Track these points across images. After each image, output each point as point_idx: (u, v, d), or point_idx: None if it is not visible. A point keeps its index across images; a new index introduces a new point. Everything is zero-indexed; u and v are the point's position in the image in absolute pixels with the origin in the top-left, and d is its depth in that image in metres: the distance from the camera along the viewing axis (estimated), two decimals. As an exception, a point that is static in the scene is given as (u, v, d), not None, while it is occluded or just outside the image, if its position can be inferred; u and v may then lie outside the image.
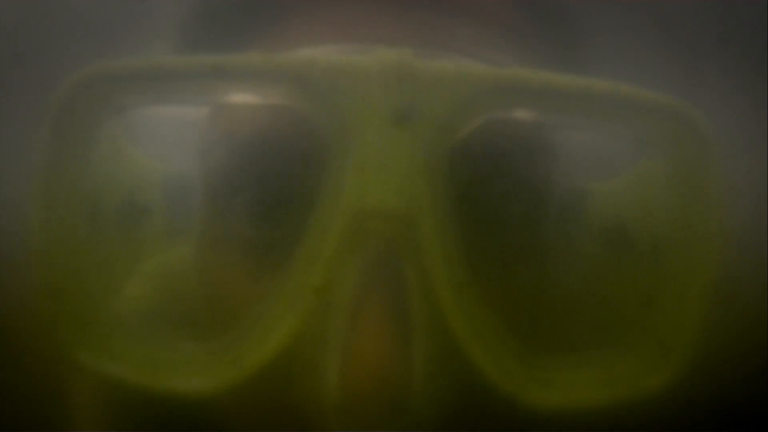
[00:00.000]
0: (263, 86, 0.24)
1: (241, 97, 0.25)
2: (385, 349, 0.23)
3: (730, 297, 0.24)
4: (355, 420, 0.23)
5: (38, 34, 0.27)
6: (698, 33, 0.25)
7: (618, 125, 0.24)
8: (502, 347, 0.24)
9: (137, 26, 0.27)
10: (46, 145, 0.25)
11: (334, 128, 0.23)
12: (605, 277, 0.25)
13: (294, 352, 0.23)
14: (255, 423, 0.25)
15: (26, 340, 0.26)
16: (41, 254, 0.25)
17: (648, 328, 0.25)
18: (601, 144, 0.25)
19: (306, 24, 0.26)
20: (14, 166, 0.26)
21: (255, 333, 0.24)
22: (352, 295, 0.23)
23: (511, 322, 0.24)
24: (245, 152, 0.25)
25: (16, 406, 0.27)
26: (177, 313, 0.27)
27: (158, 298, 0.27)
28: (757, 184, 0.24)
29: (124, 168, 0.27)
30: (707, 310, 0.23)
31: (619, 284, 0.25)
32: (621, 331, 0.25)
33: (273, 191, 0.25)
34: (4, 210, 0.26)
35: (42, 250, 0.25)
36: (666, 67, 0.25)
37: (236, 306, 0.25)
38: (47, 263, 0.25)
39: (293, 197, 0.24)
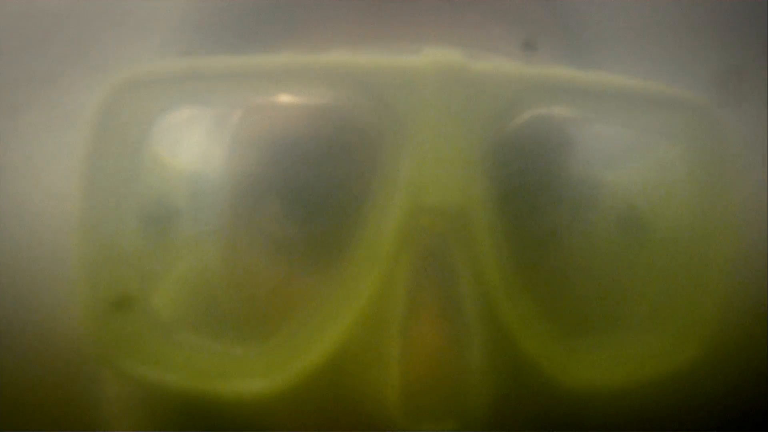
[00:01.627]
0: (305, 86, 0.24)
1: (284, 98, 0.25)
2: (442, 343, 0.23)
3: (750, 279, 0.26)
4: (415, 414, 0.23)
5: (74, 36, 0.26)
6: (721, 27, 0.27)
7: (645, 119, 0.26)
8: (544, 333, 0.25)
9: (154, 27, 0.27)
10: (88, 149, 0.24)
11: (386, 127, 0.24)
12: (628, 261, 0.27)
13: (349, 350, 0.24)
14: (311, 424, 0.25)
15: (65, 348, 0.25)
16: (82, 260, 0.24)
17: (671, 309, 0.26)
18: (626, 135, 0.26)
19: (327, 27, 0.27)
20: (54, 169, 0.25)
21: (308, 333, 0.25)
22: (407, 290, 0.24)
23: (550, 308, 0.25)
24: (281, 151, 0.25)
25: (51, 419, 0.26)
26: (219, 318, 0.26)
27: (198, 302, 0.27)
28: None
29: (153, 170, 0.26)
30: (726, 291, 0.26)
31: (642, 268, 0.27)
32: (647, 312, 0.27)
33: (314, 190, 0.25)
34: (43, 213, 0.25)
35: (83, 256, 0.24)
36: (688, 62, 0.27)
37: (283, 306, 0.25)
38: (88, 270, 0.24)
39: (339, 195, 0.25)
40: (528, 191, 0.25)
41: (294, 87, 0.25)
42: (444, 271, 0.24)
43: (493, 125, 0.24)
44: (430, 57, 0.23)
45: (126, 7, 0.27)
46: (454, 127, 0.23)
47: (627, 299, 0.27)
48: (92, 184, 0.24)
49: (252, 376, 0.25)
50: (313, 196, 0.25)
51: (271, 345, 0.25)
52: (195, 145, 0.27)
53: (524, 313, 0.25)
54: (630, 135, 0.26)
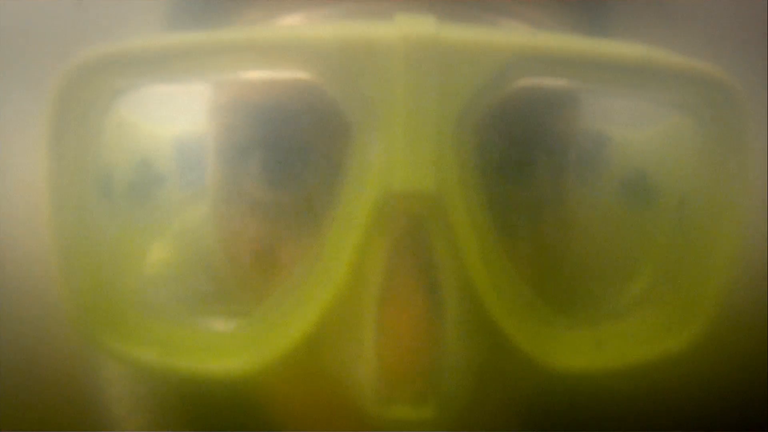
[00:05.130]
0: (272, 60, 0.23)
1: (250, 73, 0.24)
2: (419, 324, 0.23)
3: (755, 259, 0.24)
4: (391, 397, 0.23)
5: (28, 22, 0.25)
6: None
7: (650, 90, 0.23)
8: (528, 312, 0.24)
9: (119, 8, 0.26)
10: (49, 131, 0.24)
11: (354, 106, 0.22)
12: (628, 230, 0.25)
13: (326, 331, 0.23)
14: (290, 401, 0.25)
15: (48, 330, 0.26)
16: (58, 239, 0.24)
17: (672, 285, 0.25)
18: (630, 104, 0.24)
19: None
20: (18, 154, 0.25)
21: (286, 310, 0.24)
22: (383, 270, 0.23)
23: (537, 283, 0.24)
24: (256, 116, 0.24)
25: (42, 403, 0.27)
26: (203, 288, 0.26)
27: (181, 271, 0.26)
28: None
29: (131, 139, 0.26)
30: (731, 271, 0.24)
31: (643, 238, 0.25)
32: (645, 287, 0.25)
33: (287, 156, 0.24)
34: (11, 200, 0.25)
35: (58, 235, 0.24)
36: (704, 34, 0.24)
37: (265, 279, 0.25)
38: (65, 247, 0.24)
39: (312, 165, 0.24)
40: (511, 166, 0.23)
41: (261, 61, 0.23)
42: (421, 251, 0.23)
43: (471, 100, 0.22)
44: (399, 27, 0.21)
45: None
46: (427, 105, 0.21)
47: (624, 274, 0.26)
48: (56, 165, 0.24)
49: (232, 354, 0.25)
50: (280, 161, 0.24)
51: (251, 321, 0.25)
52: (170, 112, 0.26)
53: (505, 293, 0.23)
54: (635, 105, 0.24)
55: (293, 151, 0.24)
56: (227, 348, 0.25)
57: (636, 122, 0.25)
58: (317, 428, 0.25)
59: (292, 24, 0.24)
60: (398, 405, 0.23)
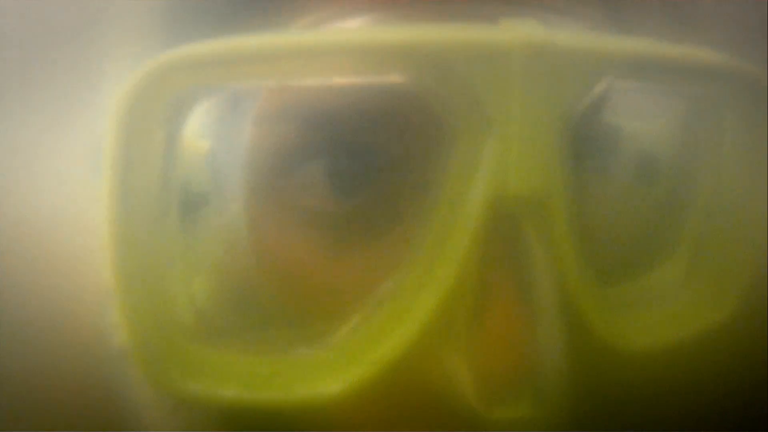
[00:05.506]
0: (364, 64, 0.22)
1: (336, 78, 0.22)
2: (517, 324, 0.23)
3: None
4: (492, 400, 0.23)
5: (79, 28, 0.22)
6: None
7: (697, 88, 0.25)
8: (602, 300, 0.25)
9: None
10: (118, 140, 0.20)
11: (462, 108, 0.22)
12: (666, 215, 0.28)
13: (422, 344, 0.23)
14: (387, 418, 0.24)
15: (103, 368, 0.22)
16: (120, 274, 0.21)
17: (707, 265, 0.27)
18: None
19: None
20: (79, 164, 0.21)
21: (374, 328, 0.23)
22: (481, 278, 0.23)
23: (601, 270, 0.25)
24: (314, 122, 0.23)
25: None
26: (267, 315, 0.24)
27: (243, 300, 0.24)
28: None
29: (181, 156, 0.23)
30: (763, 248, 0.27)
31: (680, 222, 0.27)
32: (684, 268, 0.27)
33: (360, 162, 0.23)
34: (70, 218, 0.21)
35: (120, 270, 0.21)
36: (737, 30, 0.26)
37: (341, 298, 0.23)
38: (127, 283, 0.21)
39: (394, 170, 0.23)
40: (596, 169, 0.24)
41: (352, 65, 0.22)
42: (519, 256, 0.23)
43: (576, 104, 0.22)
44: (513, 31, 0.21)
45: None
46: (540, 108, 0.22)
47: (666, 255, 0.28)
48: (123, 180, 0.21)
49: (317, 378, 0.23)
50: (364, 163, 0.23)
51: (334, 343, 0.23)
52: (219, 126, 0.24)
53: (589, 288, 0.24)
54: (688, 103, 0.26)
55: (373, 157, 0.23)
56: (313, 373, 0.23)
57: (670, 112, 0.27)
58: None
59: (352, 27, 0.23)
60: (499, 409, 0.23)
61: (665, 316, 0.27)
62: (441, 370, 0.23)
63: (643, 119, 0.26)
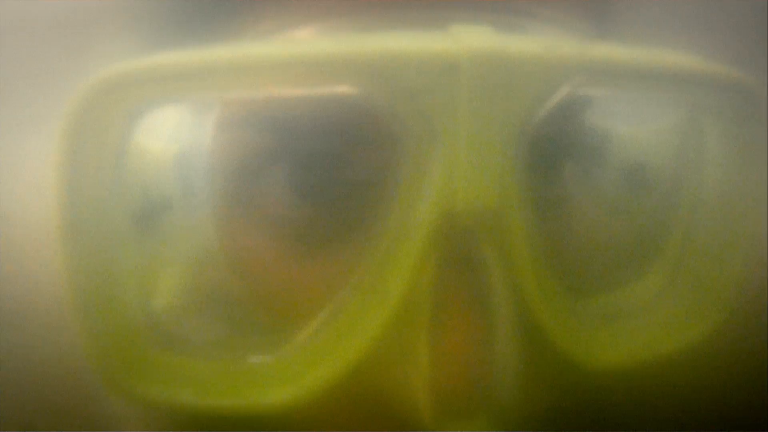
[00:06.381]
0: (313, 76, 0.22)
1: (284, 89, 0.22)
2: (472, 342, 0.22)
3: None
4: (446, 413, 0.23)
5: (39, 39, 0.22)
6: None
7: (679, 94, 0.24)
8: (568, 314, 0.24)
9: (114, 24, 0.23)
10: (63, 155, 0.21)
11: (409, 118, 0.21)
12: (647, 224, 0.27)
13: (377, 354, 0.23)
14: (340, 427, 0.24)
15: (66, 378, 0.23)
16: (72, 275, 0.22)
17: (690, 277, 0.26)
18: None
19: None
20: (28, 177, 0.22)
21: (330, 336, 0.23)
22: (435, 290, 0.22)
23: (570, 284, 0.25)
24: (278, 130, 0.23)
25: None
26: (228, 321, 0.24)
27: (203, 305, 0.24)
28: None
29: (138, 163, 0.23)
30: (745, 262, 0.25)
31: (662, 232, 0.26)
32: (665, 280, 0.26)
33: (318, 170, 0.23)
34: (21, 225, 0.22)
35: (72, 271, 0.22)
36: (727, 37, 0.25)
37: (299, 306, 0.24)
38: (79, 285, 0.22)
39: (350, 180, 0.23)
40: (561, 178, 0.24)
41: (300, 77, 0.22)
42: (474, 268, 0.22)
43: (529, 114, 0.22)
44: (461, 40, 0.21)
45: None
46: (491, 120, 0.21)
47: (645, 267, 0.27)
48: (72, 189, 0.21)
49: (272, 385, 0.23)
50: (319, 171, 0.23)
51: (289, 350, 0.24)
52: (179, 132, 0.24)
53: (551, 302, 0.24)
54: (671, 112, 0.25)
55: (327, 165, 0.23)
56: (268, 379, 0.23)
57: (651, 120, 0.26)
58: None
59: (304, 36, 0.23)
60: (453, 422, 0.23)
61: (644, 329, 0.26)
62: (394, 382, 0.23)
63: (619, 128, 0.25)
